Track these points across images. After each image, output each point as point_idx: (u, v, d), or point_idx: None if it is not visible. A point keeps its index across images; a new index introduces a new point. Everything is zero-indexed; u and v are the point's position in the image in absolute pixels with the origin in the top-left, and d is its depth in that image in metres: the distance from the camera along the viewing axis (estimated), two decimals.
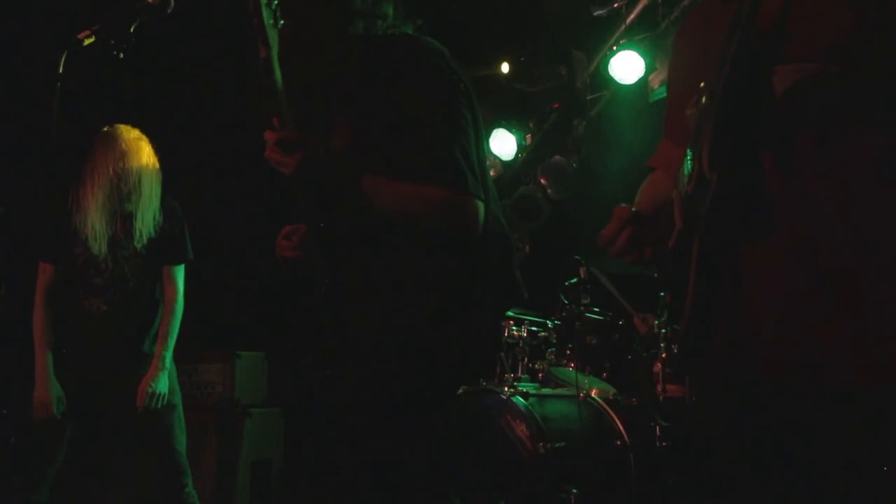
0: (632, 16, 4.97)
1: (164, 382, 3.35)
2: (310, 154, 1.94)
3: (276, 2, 1.95)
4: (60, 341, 3.33)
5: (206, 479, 3.50)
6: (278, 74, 1.96)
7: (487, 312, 2.06)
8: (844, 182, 1.43)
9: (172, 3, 2.39)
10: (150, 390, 3.30)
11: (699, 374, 1.69)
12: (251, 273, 5.32)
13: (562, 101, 5.45)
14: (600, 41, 5.22)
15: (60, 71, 2.32)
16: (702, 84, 1.55)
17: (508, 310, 2.39)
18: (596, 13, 4.88)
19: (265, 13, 1.93)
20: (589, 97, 5.47)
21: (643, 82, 5.02)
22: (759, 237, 1.49)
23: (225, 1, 4.91)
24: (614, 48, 5.01)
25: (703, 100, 1.54)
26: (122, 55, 2.33)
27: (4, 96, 4.36)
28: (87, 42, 2.36)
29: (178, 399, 3.45)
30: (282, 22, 1.96)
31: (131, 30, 2.39)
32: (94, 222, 3.35)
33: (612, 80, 5.07)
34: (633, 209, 1.79)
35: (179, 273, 3.54)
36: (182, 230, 3.55)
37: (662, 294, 3.72)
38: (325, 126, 2.12)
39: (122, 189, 3.40)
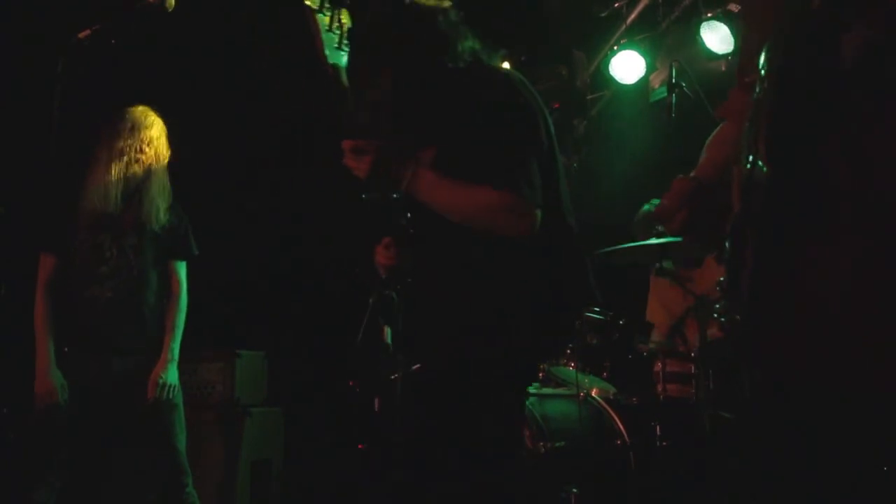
0: (632, 16, 4.98)
1: (174, 373, 3.37)
2: (379, 158, 2.15)
3: (338, 27, 2.19)
4: (63, 330, 3.32)
5: (207, 479, 3.50)
6: (348, 89, 2.20)
7: (554, 310, 2.21)
8: None
9: (174, 2, 2.40)
10: (160, 381, 3.32)
11: (754, 366, 1.63)
12: (252, 272, 5.32)
13: (562, 101, 5.45)
14: (601, 41, 5.22)
15: (60, 70, 2.33)
16: (760, 65, 1.45)
17: (581, 309, 2.58)
18: (600, 14, 4.89)
19: (326, 39, 2.17)
20: (589, 97, 5.48)
21: (644, 82, 5.03)
22: (821, 234, 1.37)
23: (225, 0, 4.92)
24: (615, 48, 5.01)
25: (760, 83, 1.44)
26: (122, 53, 2.34)
27: (4, 95, 4.36)
28: (87, 41, 2.36)
29: (179, 398, 3.45)
30: (347, 45, 2.19)
31: (132, 29, 2.40)
32: (102, 205, 3.36)
33: (612, 79, 5.08)
34: (694, 180, 1.73)
35: (182, 269, 3.56)
36: (187, 227, 3.56)
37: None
38: (412, 147, 2.27)
39: (134, 172, 3.40)
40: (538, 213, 2.11)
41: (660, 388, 3.84)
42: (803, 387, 1.43)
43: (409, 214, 2.29)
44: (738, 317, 1.52)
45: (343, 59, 2.21)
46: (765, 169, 1.38)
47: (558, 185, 2.25)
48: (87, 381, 3.30)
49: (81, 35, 2.42)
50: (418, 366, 2.35)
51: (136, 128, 3.44)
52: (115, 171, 3.38)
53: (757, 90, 1.45)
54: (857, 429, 1.42)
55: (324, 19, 2.17)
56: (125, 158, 3.40)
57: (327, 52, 2.18)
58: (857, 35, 1.29)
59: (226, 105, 5.10)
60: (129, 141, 3.41)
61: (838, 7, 1.32)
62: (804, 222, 1.38)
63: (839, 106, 1.32)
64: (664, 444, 3.69)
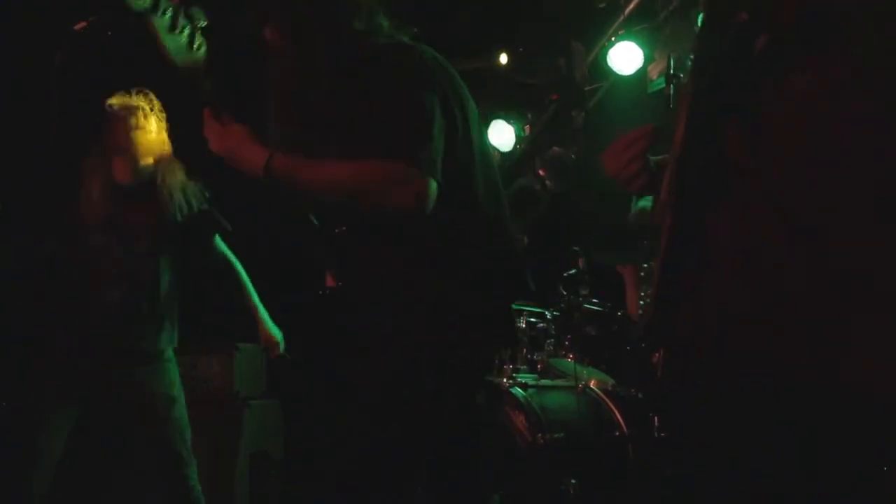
0: (630, 6, 4.96)
1: (275, 329, 3.56)
2: (238, 134, 2.08)
3: (186, 26, 2.03)
4: (71, 331, 3.29)
5: (205, 471, 3.50)
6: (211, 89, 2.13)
7: (482, 302, 2.07)
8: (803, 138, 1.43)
9: None
10: (275, 340, 3.53)
11: (668, 352, 1.69)
12: (250, 265, 5.32)
13: (560, 93, 5.44)
14: (599, 32, 5.21)
15: (57, 63, 2.32)
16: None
17: (513, 301, 2.42)
18: (599, 5, 4.88)
19: (170, 42, 2.02)
20: (588, 88, 5.46)
21: (642, 73, 5.02)
22: (719, 216, 1.50)
23: None
24: (613, 39, 5.00)
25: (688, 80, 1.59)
26: (118, 46, 2.33)
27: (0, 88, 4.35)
28: (83, 33, 2.35)
29: (178, 392, 3.45)
30: (202, 44, 2.07)
31: (128, 21, 2.38)
32: (108, 206, 3.33)
33: (610, 70, 5.07)
34: (654, 127, 1.77)
35: (220, 243, 3.64)
36: (210, 209, 3.56)
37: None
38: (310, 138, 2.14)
39: (146, 166, 3.37)
40: (431, 182, 1.91)
41: (660, 376, 3.84)
42: (710, 370, 1.50)
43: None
44: (648, 304, 1.59)
45: (198, 58, 2.08)
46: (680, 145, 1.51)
47: (472, 171, 2.07)
48: (90, 383, 3.28)
49: (77, 27, 2.40)
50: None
51: (139, 117, 3.39)
52: (123, 168, 3.35)
53: (684, 88, 1.62)
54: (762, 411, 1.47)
55: (163, 21, 1.99)
56: (133, 153, 3.36)
57: (175, 56, 2.04)
58: (762, 38, 1.50)
59: (225, 94, 5.08)
60: (134, 132, 3.36)
61: (754, 17, 1.51)
62: (707, 200, 1.48)
63: (742, 94, 1.49)
64: (663, 435, 3.70)
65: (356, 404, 2.08)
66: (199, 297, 3.74)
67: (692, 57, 1.58)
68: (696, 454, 1.60)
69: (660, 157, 1.85)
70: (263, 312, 3.45)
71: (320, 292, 2.22)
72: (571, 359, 4.00)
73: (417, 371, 2.02)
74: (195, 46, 2.04)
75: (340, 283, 2.20)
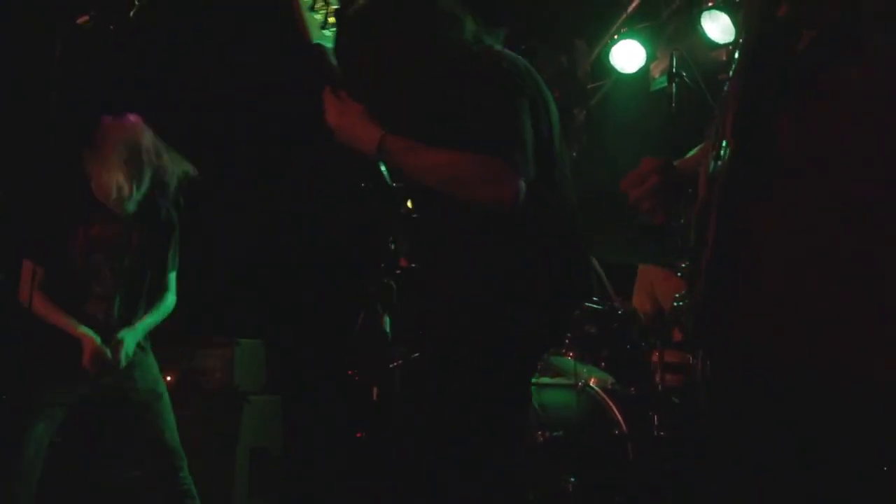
0: (633, 5, 4.96)
1: (131, 341, 3.34)
2: (354, 113, 2.14)
3: (323, 7, 2.17)
4: (56, 344, 3.29)
5: (205, 466, 3.50)
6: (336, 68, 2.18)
7: (545, 300, 2.15)
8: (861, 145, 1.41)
9: None
10: (118, 339, 3.30)
11: (713, 350, 1.65)
12: (251, 260, 5.32)
13: (562, 90, 5.43)
14: (601, 30, 5.20)
15: (58, 55, 2.31)
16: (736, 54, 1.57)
17: (575, 298, 2.56)
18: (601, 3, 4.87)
19: (309, 19, 2.16)
20: (590, 86, 5.46)
21: (644, 71, 5.01)
22: (770, 206, 1.47)
23: None
24: (615, 37, 5.00)
25: (729, 80, 1.55)
26: (120, 39, 2.33)
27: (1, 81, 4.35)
28: (85, 26, 2.35)
29: (162, 388, 3.49)
30: (331, 26, 2.18)
31: (130, 14, 2.39)
32: (102, 225, 3.35)
33: (613, 69, 5.06)
34: (664, 159, 1.76)
35: (174, 278, 3.57)
36: (171, 237, 3.54)
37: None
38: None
39: (129, 190, 3.37)
40: (521, 182, 2.01)
41: (658, 377, 3.84)
42: (763, 369, 1.47)
43: (409, 201, 2.28)
44: (697, 301, 1.55)
45: (328, 39, 2.18)
46: (728, 149, 1.47)
47: (553, 173, 2.18)
48: (75, 395, 3.30)
49: (80, 20, 2.40)
50: (417, 355, 2.33)
51: (130, 142, 3.37)
52: (116, 189, 3.34)
53: (725, 87, 1.55)
54: (817, 408, 1.44)
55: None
56: (124, 174, 3.34)
57: (312, 32, 2.16)
58: (805, 36, 1.48)
59: (224, 91, 5.08)
60: (128, 155, 3.36)
61: (796, 15, 1.49)
62: (759, 198, 1.45)
63: (790, 91, 1.47)
64: (662, 433, 3.70)
65: (423, 384, 2.22)
66: (199, 292, 3.75)
67: (737, 54, 1.55)
68: (750, 452, 1.56)
69: (683, 162, 1.84)
70: (131, 332, 3.38)
71: (397, 272, 2.32)
72: (571, 357, 4.00)
73: (480, 357, 2.10)
74: (327, 27, 2.18)
75: (414, 265, 2.30)
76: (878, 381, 1.38)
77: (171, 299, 3.56)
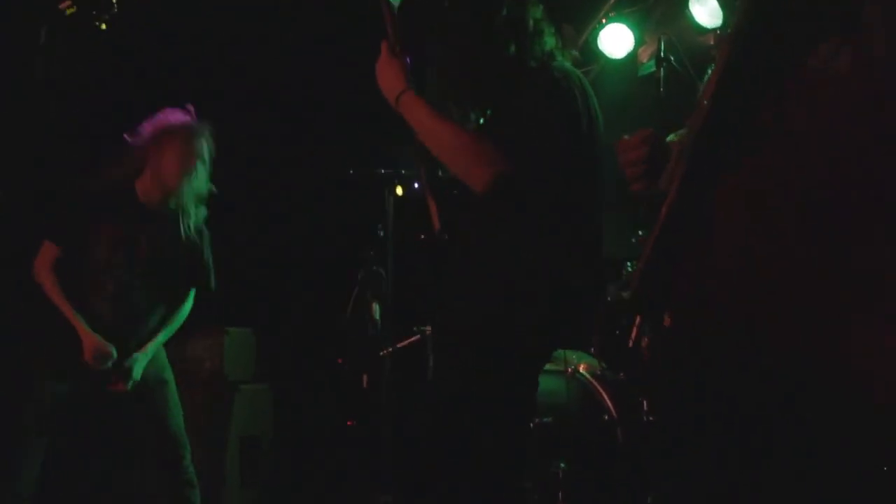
0: None
1: (140, 367, 3.32)
2: (386, 61, 2.33)
3: None
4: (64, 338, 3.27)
5: (195, 455, 3.50)
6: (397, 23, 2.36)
7: (575, 292, 2.26)
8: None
9: None
10: (127, 365, 3.28)
11: (652, 313, 1.68)
12: (240, 249, 5.30)
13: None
14: (589, 14, 5.18)
15: (42, 41, 2.29)
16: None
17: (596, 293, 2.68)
18: None
19: None
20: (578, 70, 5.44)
21: (632, 56, 4.99)
22: (734, 178, 1.49)
23: None
24: (603, 21, 4.98)
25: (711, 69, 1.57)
26: (104, 26, 2.31)
27: None
28: (68, 12, 2.33)
29: (169, 375, 3.48)
30: None
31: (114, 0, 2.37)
32: (127, 227, 3.31)
33: (601, 53, 5.04)
34: (653, 132, 1.81)
35: (192, 294, 3.57)
36: (202, 252, 3.52)
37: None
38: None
39: (165, 195, 3.35)
40: (507, 172, 2.15)
41: (645, 360, 3.84)
42: (707, 333, 1.49)
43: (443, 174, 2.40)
44: (641, 265, 1.58)
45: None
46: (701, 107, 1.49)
47: (594, 190, 2.33)
48: (77, 389, 3.29)
49: (63, 5, 2.38)
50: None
51: (185, 147, 3.37)
52: (151, 188, 3.33)
53: (706, 78, 1.58)
54: (758, 375, 1.46)
55: None
56: (189, 170, 3.35)
57: None
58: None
59: (213, 76, 5.05)
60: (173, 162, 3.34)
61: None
62: (724, 169, 1.46)
63: (778, 69, 1.48)
64: (651, 418, 3.71)
65: (444, 354, 2.36)
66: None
67: (730, 30, 1.56)
68: (687, 439, 1.59)
69: (674, 137, 1.85)
70: (145, 348, 3.37)
71: (422, 236, 2.42)
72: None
73: (498, 334, 2.21)
74: None
75: (447, 235, 2.40)
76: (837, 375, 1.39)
77: (185, 310, 3.55)
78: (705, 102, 1.51)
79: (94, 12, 2.28)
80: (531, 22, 2.38)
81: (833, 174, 1.41)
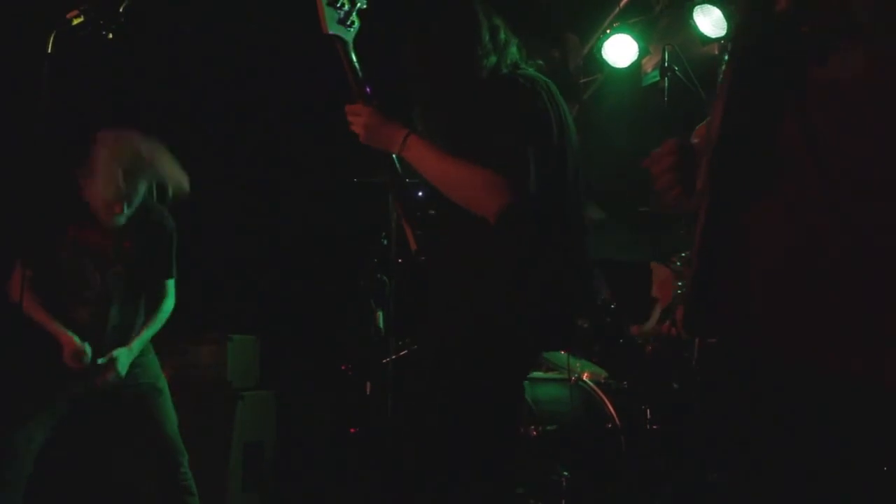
0: None
1: (124, 361, 3.32)
2: (372, 120, 2.31)
3: (346, 4, 2.31)
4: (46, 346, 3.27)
5: (199, 462, 3.51)
6: (355, 63, 2.34)
7: (554, 301, 2.28)
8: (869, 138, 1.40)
9: None
10: (110, 359, 3.28)
11: (703, 342, 1.66)
12: (244, 256, 5.31)
13: (554, 84, 5.43)
14: (594, 24, 5.20)
15: (49, 51, 2.30)
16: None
17: (580, 305, 2.68)
18: None
19: (327, 12, 2.30)
20: (582, 80, 5.46)
21: (636, 66, 5.01)
22: (764, 200, 1.46)
23: None
24: (608, 31, 4.99)
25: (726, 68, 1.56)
26: (110, 35, 2.32)
27: None
28: (75, 22, 2.34)
29: (163, 384, 3.49)
30: (355, 23, 2.34)
31: (121, 9, 2.38)
32: (92, 230, 3.32)
33: (605, 63, 5.05)
34: (682, 140, 1.80)
35: (172, 285, 3.55)
36: (170, 245, 3.51)
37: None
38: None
39: (120, 207, 3.31)
40: (515, 198, 2.18)
41: (651, 371, 3.85)
42: (749, 355, 1.47)
43: (420, 194, 2.40)
44: (687, 292, 1.56)
45: (349, 34, 2.33)
46: (716, 139, 1.48)
47: (563, 191, 2.32)
48: (65, 398, 3.29)
49: (70, 15, 2.39)
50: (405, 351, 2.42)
51: (128, 152, 3.30)
52: (106, 206, 3.30)
53: (720, 77, 1.55)
54: (802, 393, 1.44)
55: None
56: (116, 190, 3.28)
57: (328, 23, 2.29)
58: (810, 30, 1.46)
59: (217, 88, 5.07)
60: (121, 168, 3.28)
61: (798, 8, 1.48)
62: (748, 189, 1.45)
63: (792, 85, 1.45)
64: (655, 427, 3.71)
65: (426, 374, 2.34)
66: (192, 287, 3.74)
67: (730, 47, 1.56)
68: (732, 449, 1.57)
69: (698, 141, 1.85)
70: (128, 345, 3.37)
71: (399, 260, 2.42)
72: (564, 351, 4.01)
73: (480, 351, 2.22)
74: (348, 23, 2.32)
75: (424, 258, 2.40)
76: (865, 380, 1.38)
77: (168, 305, 3.54)
78: (714, 120, 1.50)
79: (102, 22, 2.30)
80: (503, 34, 2.41)
81: (866, 180, 1.40)
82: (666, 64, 4.16)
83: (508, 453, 2.38)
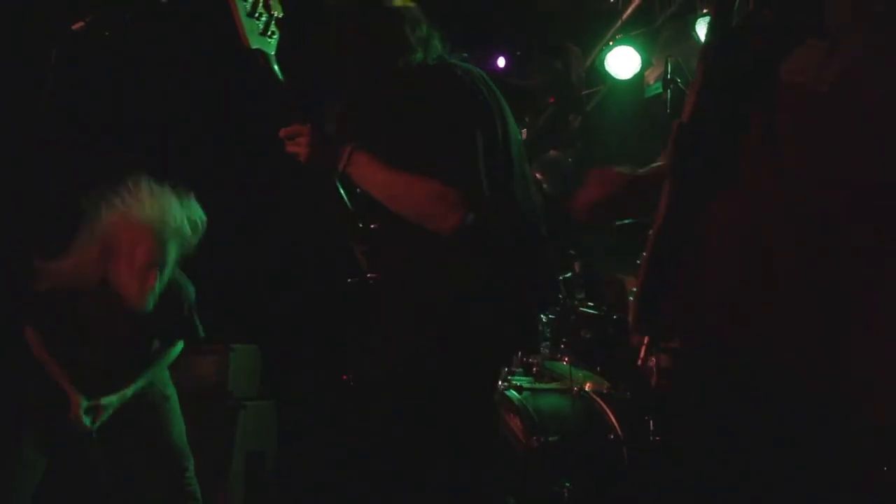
0: (628, 11, 4.98)
1: (110, 409, 3.26)
2: (313, 140, 2.18)
3: (263, 14, 2.20)
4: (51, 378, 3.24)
5: (201, 471, 3.50)
6: (279, 75, 2.22)
7: (511, 302, 2.20)
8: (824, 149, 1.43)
9: None
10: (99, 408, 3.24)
11: (654, 337, 1.68)
12: (246, 266, 5.32)
13: (557, 96, 5.45)
14: (596, 36, 5.22)
15: (53, 62, 2.31)
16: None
17: (543, 304, 2.55)
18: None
19: (247, 24, 2.18)
20: (585, 92, 5.48)
21: (639, 78, 5.03)
22: (723, 198, 1.49)
23: None
24: (610, 43, 5.01)
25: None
26: (115, 45, 2.33)
27: None
28: (80, 33, 2.35)
29: (171, 391, 3.49)
30: (275, 33, 2.22)
31: (126, 21, 2.39)
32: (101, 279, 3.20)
33: (608, 75, 5.08)
34: (622, 171, 1.86)
35: (179, 347, 3.51)
36: (191, 306, 3.42)
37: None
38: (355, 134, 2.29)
39: (151, 290, 3.20)
40: (468, 209, 2.08)
41: (653, 382, 3.84)
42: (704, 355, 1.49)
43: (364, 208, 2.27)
44: (638, 289, 1.58)
45: (270, 45, 2.21)
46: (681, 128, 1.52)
47: (512, 184, 2.22)
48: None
49: (75, 26, 2.40)
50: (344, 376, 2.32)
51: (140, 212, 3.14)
52: (142, 296, 3.17)
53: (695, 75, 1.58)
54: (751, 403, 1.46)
55: (244, 4, 2.17)
56: (148, 278, 3.16)
57: (250, 37, 2.18)
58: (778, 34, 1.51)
59: (223, 95, 5.08)
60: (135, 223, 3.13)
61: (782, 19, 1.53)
62: (708, 186, 1.47)
63: (761, 84, 1.49)
64: (657, 437, 3.70)
65: (376, 397, 2.22)
66: (195, 298, 3.74)
67: (704, 44, 1.58)
68: (694, 453, 1.59)
69: (653, 167, 1.87)
70: (117, 398, 3.27)
71: (349, 280, 2.31)
72: (566, 362, 4.00)
73: (439, 365, 2.13)
74: (269, 33, 2.21)
75: (371, 276, 2.29)
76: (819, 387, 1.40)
77: (177, 350, 3.50)
78: (682, 121, 1.53)
79: (107, 33, 2.31)
80: (423, 28, 2.29)
81: (831, 187, 1.42)
82: (669, 76, 4.18)
83: (486, 465, 2.28)
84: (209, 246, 3.71)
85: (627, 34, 4.99)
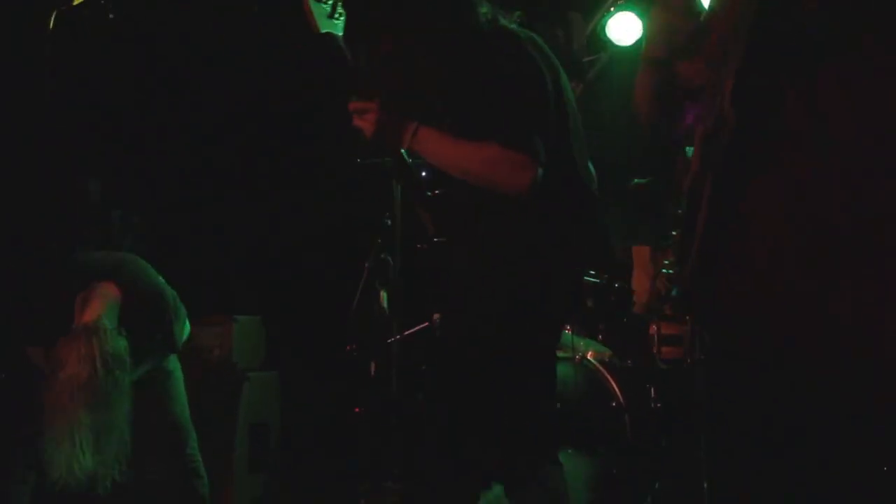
0: None
1: None
2: (382, 116, 2.23)
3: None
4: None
5: (205, 442, 3.52)
6: (348, 54, 2.27)
7: (565, 269, 2.30)
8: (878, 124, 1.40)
9: None
10: None
11: (704, 319, 1.67)
12: (249, 237, 5.32)
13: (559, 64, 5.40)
14: (598, 3, 5.17)
15: (51, 29, 2.30)
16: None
17: (594, 266, 2.78)
18: None
19: (315, 9, 2.25)
20: (586, 59, 5.43)
21: (641, 44, 4.98)
22: (769, 181, 1.46)
23: None
24: (612, 9, 4.97)
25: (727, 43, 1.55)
26: (112, 15, 2.32)
27: None
28: (77, 1, 2.33)
29: (173, 364, 3.46)
30: (342, 15, 2.27)
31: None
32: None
33: (609, 41, 5.03)
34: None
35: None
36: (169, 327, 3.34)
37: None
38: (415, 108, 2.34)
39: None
40: (539, 170, 2.15)
41: (655, 349, 3.85)
42: (749, 339, 1.47)
43: (423, 174, 2.39)
44: (687, 274, 1.56)
45: (338, 27, 2.27)
46: (726, 121, 1.48)
47: (571, 148, 2.29)
48: None
49: (76, 2, 2.38)
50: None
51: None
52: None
53: (722, 51, 1.56)
54: (800, 381, 1.44)
55: None
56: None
57: (318, 21, 2.24)
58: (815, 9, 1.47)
59: (224, 76, 5.06)
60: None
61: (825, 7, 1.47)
62: (757, 173, 1.44)
63: (800, 65, 1.46)
64: (659, 405, 3.72)
65: (450, 357, 2.35)
66: (197, 268, 3.74)
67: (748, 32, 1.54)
68: (729, 425, 1.58)
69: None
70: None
71: (419, 246, 2.40)
72: (569, 330, 4.01)
73: (506, 327, 2.22)
74: (336, 16, 2.25)
75: (438, 240, 2.40)
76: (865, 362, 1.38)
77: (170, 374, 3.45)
78: (727, 109, 1.49)
79: (112, 15, 2.30)
80: None
81: (877, 176, 1.40)
82: None
83: (546, 420, 2.41)
84: (211, 218, 3.72)
85: (629, 0, 4.94)
